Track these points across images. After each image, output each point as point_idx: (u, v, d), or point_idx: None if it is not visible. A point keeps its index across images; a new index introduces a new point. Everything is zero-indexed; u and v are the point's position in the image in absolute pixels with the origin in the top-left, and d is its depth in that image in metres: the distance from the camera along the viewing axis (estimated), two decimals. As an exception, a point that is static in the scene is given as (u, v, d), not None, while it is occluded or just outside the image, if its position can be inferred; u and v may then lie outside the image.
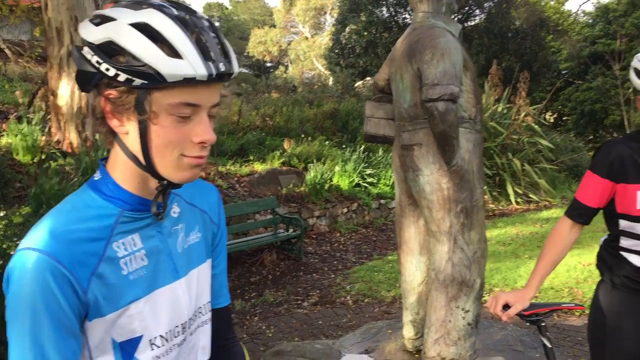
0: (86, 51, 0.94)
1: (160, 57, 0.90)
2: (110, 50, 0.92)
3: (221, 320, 1.28)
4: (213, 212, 1.23)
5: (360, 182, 10.13)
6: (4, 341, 2.54)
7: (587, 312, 2.26)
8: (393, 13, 19.52)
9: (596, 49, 21.76)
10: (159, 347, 1.04)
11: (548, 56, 20.52)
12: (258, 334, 4.89)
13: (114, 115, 0.96)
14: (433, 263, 3.07)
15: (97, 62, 0.92)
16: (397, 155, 3.20)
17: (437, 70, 2.78)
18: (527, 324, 2.19)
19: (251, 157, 9.99)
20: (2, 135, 7.31)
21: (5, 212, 3.38)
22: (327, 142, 11.14)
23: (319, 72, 29.79)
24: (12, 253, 1.94)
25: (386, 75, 3.32)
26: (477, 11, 20.30)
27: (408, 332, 3.41)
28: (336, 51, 20.33)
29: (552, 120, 25.33)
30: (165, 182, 1.01)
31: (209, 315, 1.20)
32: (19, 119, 7.55)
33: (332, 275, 6.79)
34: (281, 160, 9.79)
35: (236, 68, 0.98)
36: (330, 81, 20.26)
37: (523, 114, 12.18)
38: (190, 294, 1.12)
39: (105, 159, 1.06)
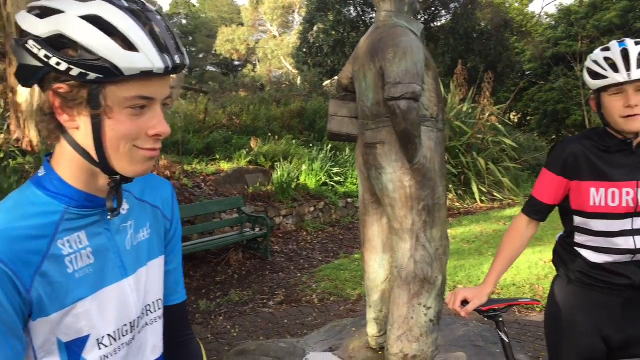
0: (31, 44, 0.90)
1: (116, 51, 0.89)
2: (59, 44, 0.89)
3: (177, 317, 1.27)
4: (166, 207, 1.21)
5: (327, 181, 10.16)
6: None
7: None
8: (361, 12, 19.62)
9: (558, 50, 22.24)
10: (106, 346, 1.03)
11: (512, 57, 20.91)
12: (223, 333, 4.86)
13: (64, 111, 0.94)
14: (396, 261, 3.09)
15: (46, 56, 0.89)
16: (361, 154, 3.21)
17: (400, 69, 2.80)
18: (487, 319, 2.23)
19: (217, 156, 9.92)
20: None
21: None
22: (294, 141, 11.13)
23: (287, 71, 29.77)
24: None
25: (350, 73, 3.33)
26: (443, 12, 20.56)
27: (371, 329, 3.43)
28: (304, 50, 20.33)
29: (516, 120, 25.80)
30: (118, 177, 1.00)
31: (159, 312, 1.18)
32: (-23, 117, 7.36)
33: (299, 274, 6.79)
34: (248, 159, 9.74)
35: (188, 60, 0.98)
36: (299, 80, 20.25)
37: (487, 114, 12.39)
38: (139, 291, 1.11)
39: (50, 154, 1.03)
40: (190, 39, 44.31)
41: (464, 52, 19.35)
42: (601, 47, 1.96)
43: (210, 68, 45.48)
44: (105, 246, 1.04)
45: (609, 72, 1.84)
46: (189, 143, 9.96)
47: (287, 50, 31.44)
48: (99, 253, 1.03)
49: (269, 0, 35.86)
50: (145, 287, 1.13)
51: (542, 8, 32.74)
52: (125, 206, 1.10)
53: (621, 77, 1.81)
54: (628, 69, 1.81)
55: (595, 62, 1.91)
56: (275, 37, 37.38)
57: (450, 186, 11.64)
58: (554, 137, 22.59)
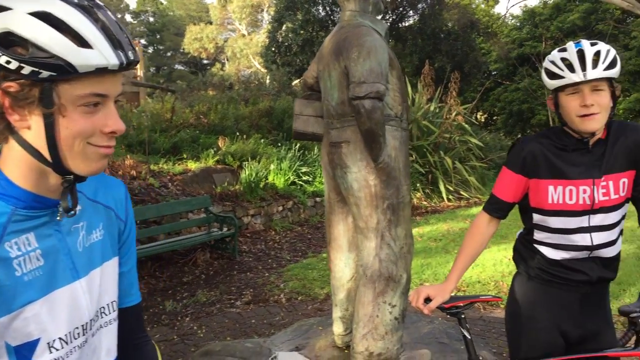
0: None
1: (70, 48, 0.87)
2: (7, 41, 0.87)
3: (131, 319, 1.25)
4: (119, 208, 1.19)
5: (295, 180, 10.15)
6: None
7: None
8: (329, 12, 19.64)
9: (523, 51, 22.68)
10: (58, 350, 1.00)
11: (478, 57, 21.18)
12: (189, 334, 4.81)
13: (14, 110, 0.91)
14: (361, 259, 3.10)
15: None
16: (326, 153, 3.21)
17: (364, 69, 2.81)
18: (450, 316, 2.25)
19: (185, 155, 9.83)
20: None
21: None
22: (262, 140, 11.10)
23: (256, 70, 29.65)
24: None
25: (315, 72, 3.33)
26: (411, 12, 20.71)
27: (338, 328, 3.43)
28: (273, 49, 20.25)
29: (482, 120, 26.19)
30: (71, 177, 0.98)
31: (114, 315, 1.16)
32: None
33: (267, 274, 6.76)
34: (215, 159, 9.67)
35: (138, 56, 0.97)
36: (267, 79, 20.19)
37: (454, 113, 12.55)
38: (92, 294, 1.08)
39: None
40: (158, 37, 43.85)
41: (431, 52, 19.54)
42: (558, 48, 2.00)
43: (178, 66, 45.07)
44: (56, 248, 1.02)
45: (566, 72, 1.88)
46: (156, 142, 9.85)
47: (256, 49, 31.33)
48: (49, 255, 1.00)
49: (238, -2, 35.68)
50: (99, 289, 1.11)
51: (507, 9, 33.23)
52: (77, 207, 1.08)
53: (577, 77, 1.85)
54: (584, 69, 1.85)
55: (553, 62, 1.95)
56: (244, 35, 37.19)
57: (418, 185, 11.74)
58: (519, 136, 23.00)
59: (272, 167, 9.82)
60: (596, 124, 1.86)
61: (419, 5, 20.22)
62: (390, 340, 3.05)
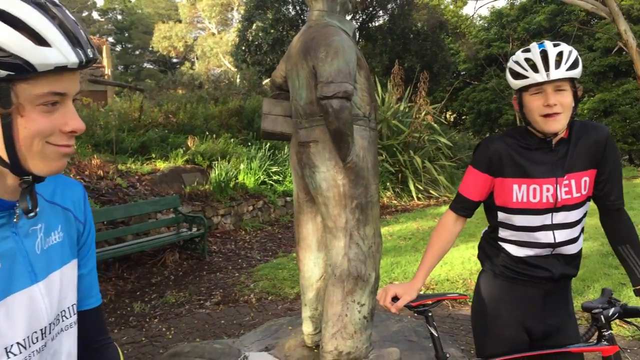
0: None
1: (28, 46, 0.86)
2: None
3: (92, 322, 1.23)
4: (78, 209, 1.17)
5: (266, 179, 10.12)
6: None
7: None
8: (300, 11, 19.63)
9: (491, 52, 23.03)
10: (15, 354, 0.98)
11: (447, 57, 21.41)
12: (158, 336, 4.76)
13: None
14: (330, 258, 3.10)
15: None
16: (295, 152, 3.21)
17: (332, 68, 2.81)
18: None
19: (153, 155, 9.72)
20: None
21: None
22: (232, 140, 11.03)
23: (226, 69, 29.44)
24: None
25: (283, 72, 3.32)
26: (381, 12, 20.82)
27: (307, 327, 3.43)
28: (243, 48, 20.14)
29: (451, 119, 26.49)
30: (29, 177, 0.96)
31: (74, 318, 1.14)
32: None
33: (236, 274, 6.73)
34: (185, 158, 9.59)
35: (97, 54, 0.96)
36: (237, 78, 20.07)
37: (424, 113, 12.64)
38: (51, 297, 1.06)
39: None
40: (126, 35, 43.25)
41: (401, 52, 19.68)
42: (522, 49, 2.03)
43: (147, 65, 44.52)
44: (13, 250, 0.99)
45: (530, 72, 1.91)
46: (123, 142, 9.72)
47: (226, 48, 31.11)
48: (6, 258, 0.98)
49: (207, -4, 35.38)
50: (59, 292, 1.08)
51: (475, 10, 33.66)
52: (37, 208, 1.06)
53: (541, 77, 1.88)
54: (547, 69, 1.88)
55: (517, 62, 1.98)
56: (213, 34, 36.91)
57: (388, 184, 11.82)
58: (487, 135, 23.35)
59: (242, 166, 9.77)
60: (558, 124, 1.89)
61: (389, 6, 20.34)
62: (359, 339, 3.06)
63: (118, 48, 43.37)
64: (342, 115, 2.79)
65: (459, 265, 6.36)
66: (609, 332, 1.94)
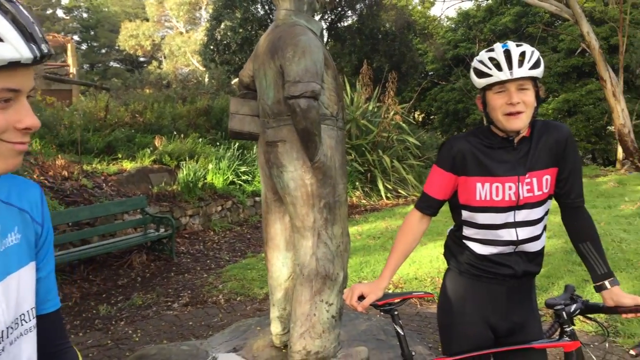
0: None
1: None
2: None
3: (50, 326, 1.20)
4: (35, 210, 1.14)
5: (234, 179, 10.06)
6: None
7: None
8: (268, 11, 19.56)
9: (458, 52, 23.33)
10: None
11: (415, 58, 21.59)
12: (124, 339, 4.68)
13: None
14: (298, 258, 3.10)
15: None
16: (262, 152, 3.20)
17: (299, 68, 2.80)
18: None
19: (120, 155, 9.58)
20: None
21: None
22: (200, 140, 10.94)
23: (194, 69, 29.19)
24: None
25: (250, 71, 3.31)
26: (350, 12, 20.89)
27: (275, 328, 3.42)
28: (211, 47, 19.98)
29: (420, 119, 26.71)
30: None
31: (33, 322, 1.11)
32: None
33: (205, 275, 6.67)
34: (152, 158, 9.47)
35: (52, 50, 0.94)
36: (206, 78, 19.90)
37: (392, 113, 12.72)
38: (9, 300, 1.03)
39: None
40: (92, 33, 42.52)
41: (369, 52, 19.78)
42: (486, 49, 2.06)
43: (113, 64, 43.84)
44: None
45: (494, 71, 1.94)
46: (89, 142, 9.56)
47: (194, 47, 30.83)
48: None
49: (175, -5, 35.00)
50: (16, 295, 1.05)
51: (443, 11, 34.04)
52: None
53: (504, 75, 1.91)
54: (510, 67, 1.91)
55: (481, 62, 2.00)
56: (181, 33, 36.53)
57: (357, 183, 11.86)
58: (455, 134, 23.65)
59: (210, 166, 9.69)
60: (521, 122, 1.93)
61: (358, 6, 20.42)
62: (328, 339, 3.06)
63: (84, 46, 42.62)
64: (310, 115, 2.79)
65: (427, 263, 6.42)
66: (571, 328, 1.98)
